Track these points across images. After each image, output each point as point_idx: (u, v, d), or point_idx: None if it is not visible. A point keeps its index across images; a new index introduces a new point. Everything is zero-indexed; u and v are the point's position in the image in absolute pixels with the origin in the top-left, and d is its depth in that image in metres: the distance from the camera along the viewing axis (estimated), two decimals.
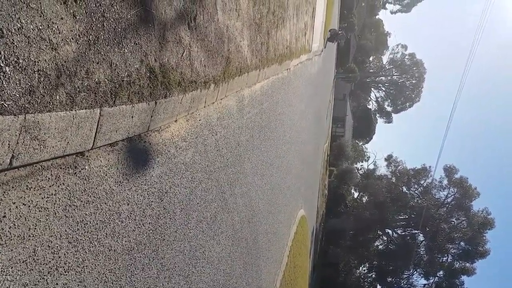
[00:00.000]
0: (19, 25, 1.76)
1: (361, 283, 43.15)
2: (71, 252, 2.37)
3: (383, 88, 67.59)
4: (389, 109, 68.45)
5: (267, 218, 8.94)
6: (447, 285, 38.88)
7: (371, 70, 67.27)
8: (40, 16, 1.88)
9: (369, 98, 71.73)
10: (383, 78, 66.69)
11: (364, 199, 47.17)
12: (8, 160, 1.90)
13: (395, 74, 63.87)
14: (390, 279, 41.83)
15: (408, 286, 41.34)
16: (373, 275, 43.93)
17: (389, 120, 69.90)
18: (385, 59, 66.77)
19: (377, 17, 68.47)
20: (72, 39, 2.12)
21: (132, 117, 2.95)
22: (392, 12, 73.28)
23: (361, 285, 42.69)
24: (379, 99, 69.51)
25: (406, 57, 62.01)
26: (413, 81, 62.01)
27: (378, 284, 43.41)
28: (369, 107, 69.05)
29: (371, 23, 65.06)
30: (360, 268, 45.40)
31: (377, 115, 69.43)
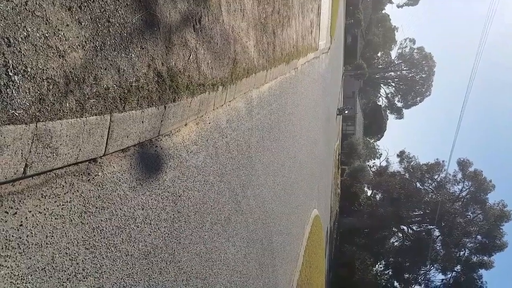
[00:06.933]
0: (25, 33, 1.77)
1: (378, 280, 42.65)
2: (88, 258, 2.37)
3: (393, 84, 66.86)
4: (399, 104, 67.62)
5: (281, 218, 8.90)
6: (465, 279, 38.28)
7: (380, 66, 66.67)
8: (46, 24, 1.89)
9: (379, 95, 71.02)
10: (392, 73, 66.01)
11: (378, 197, 46.68)
12: (22, 169, 1.91)
13: (404, 69, 63.16)
14: (407, 276, 41.32)
15: (426, 281, 40.78)
16: (390, 272, 43.44)
17: (400, 116, 69.06)
18: (393, 54, 66.08)
19: (383, 11, 67.76)
20: (79, 45, 2.13)
21: (142, 122, 2.95)
22: (398, 6, 72.21)
23: (378, 283, 42.20)
24: (389, 95, 68.75)
25: (415, 51, 61.23)
26: (423, 75, 61.18)
27: (395, 281, 42.90)
28: (379, 103, 68.37)
29: (377, 18, 64.48)
30: (377, 265, 44.92)
31: (388, 111, 68.63)
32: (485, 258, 38.34)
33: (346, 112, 33.82)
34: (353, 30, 48.54)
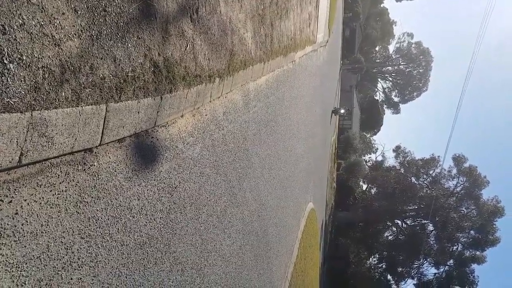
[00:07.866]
0: (20, 21, 1.75)
1: (372, 273, 43.05)
2: (84, 248, 2.38)
3: (390, 78, 66.88)
4: (396, 99, 67.73)
5: (277, 211, 8.94)
6: (458, 273, 38.69)
7: (378, 60, 66.57)
8: (42, 12, 1.87)
9: (376, 89, 70.98)
10: (389, 68, 65.96)
11: (373, 191, 46.96)
12: (17, 158, 1.90)
13: (402, 63, 63.11)
14: (400, 269, 41.74)
15: (419, 275, 41.22)
16: (384, 266, 43.84)
17: (396, 110, 69.19)
18: (391, 48, 66.02)
19: (382, 5, 67.42)
20: (75, 34, 2.11)
21: (138, 112, 2.95)
22: (397, 0, 72.04)
23: (372, 276, 42.58)
24: (386, 90, 68.80)
25: (413, 45, 61.26)
26: (420, 70, 61.25)
27: (388, 274, 43.31)
28: (376, 98, 68.32)
29: (376, 12, 64.21)
30: (370, 259, 45.33)
31: (385, 106, 68.68)
32: (478, 253, 38.77)
33: (342, 111, 34.50)
34: (351, 23, 48.35)
